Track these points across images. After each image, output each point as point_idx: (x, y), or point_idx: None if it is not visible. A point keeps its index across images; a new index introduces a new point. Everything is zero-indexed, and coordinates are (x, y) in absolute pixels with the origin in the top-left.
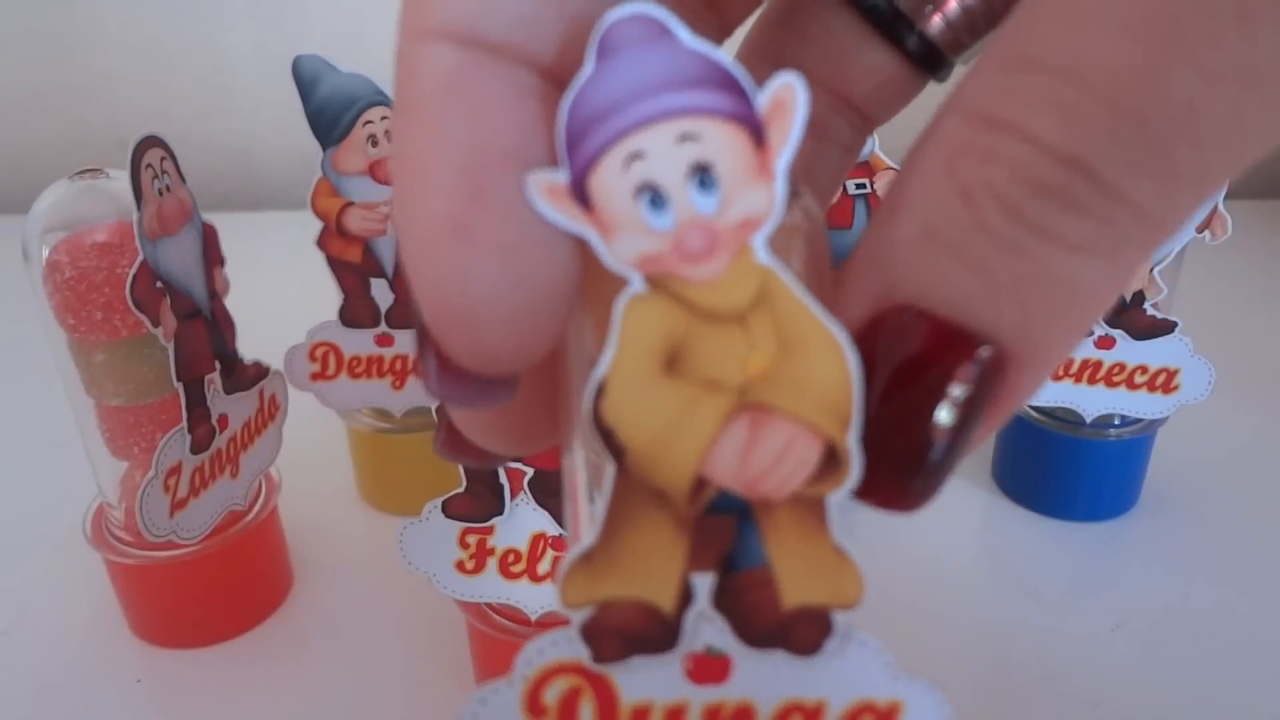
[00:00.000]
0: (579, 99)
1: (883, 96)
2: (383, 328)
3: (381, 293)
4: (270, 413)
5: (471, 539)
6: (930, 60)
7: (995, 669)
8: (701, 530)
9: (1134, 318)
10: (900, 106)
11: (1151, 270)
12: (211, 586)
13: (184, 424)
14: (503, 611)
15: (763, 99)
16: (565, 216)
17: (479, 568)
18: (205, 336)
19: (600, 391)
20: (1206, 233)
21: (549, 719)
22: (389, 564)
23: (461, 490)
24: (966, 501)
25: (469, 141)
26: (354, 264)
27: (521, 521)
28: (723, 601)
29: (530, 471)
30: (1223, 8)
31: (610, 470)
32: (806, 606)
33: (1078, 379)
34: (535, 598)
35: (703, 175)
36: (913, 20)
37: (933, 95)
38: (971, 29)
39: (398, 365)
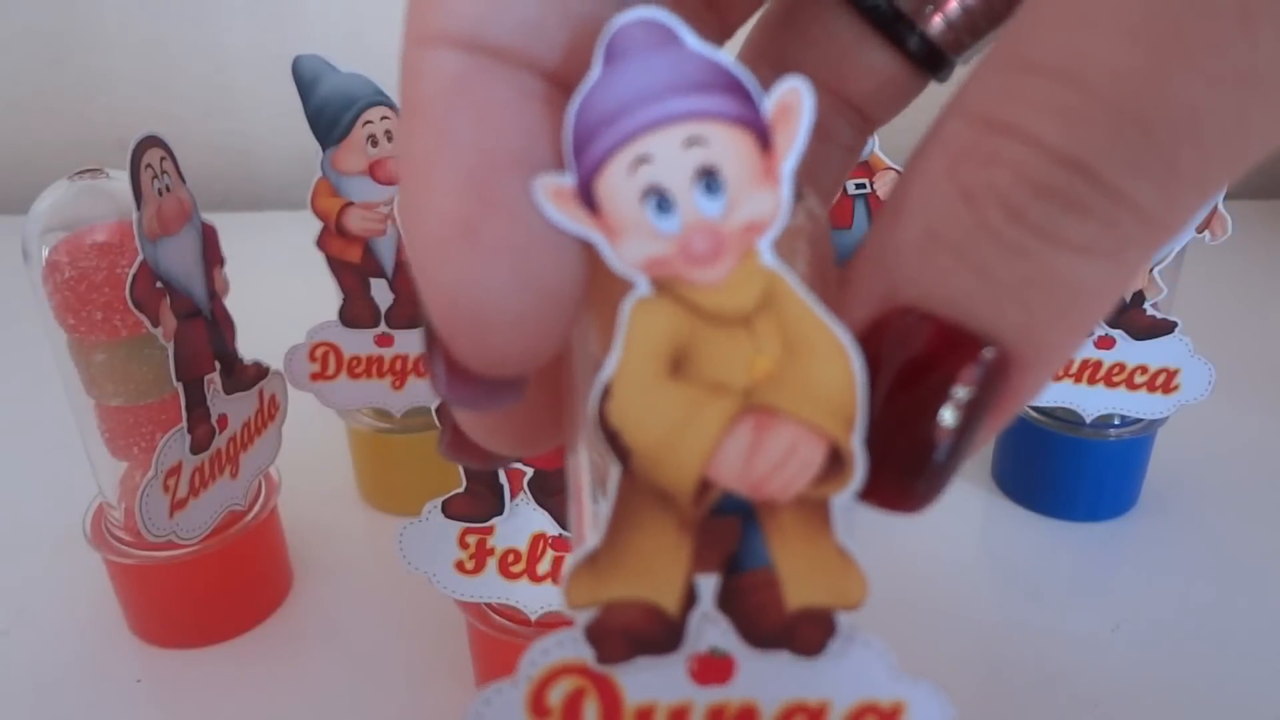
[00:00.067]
0: (586, 103)
1: (884, 97)
2: (383, 328)
3: (381, 293)
4: (270, 413)
5: (471, 539)
6: (931, 60)
7: (995, 669)
8: (706, 532)
9: (1134, 318)
10: (901, 107)
11: (1151, 270)
12: (211, 586)
13: (184, 424)
14: (503, 611)
15: (769, 103)
16: (572, 220)
17: (479, 568)
18: (205, 336)
19: (606, 394)
20: (1206, 233)
21: (553, 719)
22: (389, 564)
23: (461, 490)
24: (966, 501)
25: (475, 145)
26: (354, 264)
27: (521, 521)
28: (727, 602)
29: (530, 471)
30: (1224, 10)
31: (615, 472)
32: (810, 607)
33: (1078, 379)
34: (535, 598)
35: (709, 179)
36: (913, 21)
37: (934, 95)
38: (972, 29)
39: (398, 365)
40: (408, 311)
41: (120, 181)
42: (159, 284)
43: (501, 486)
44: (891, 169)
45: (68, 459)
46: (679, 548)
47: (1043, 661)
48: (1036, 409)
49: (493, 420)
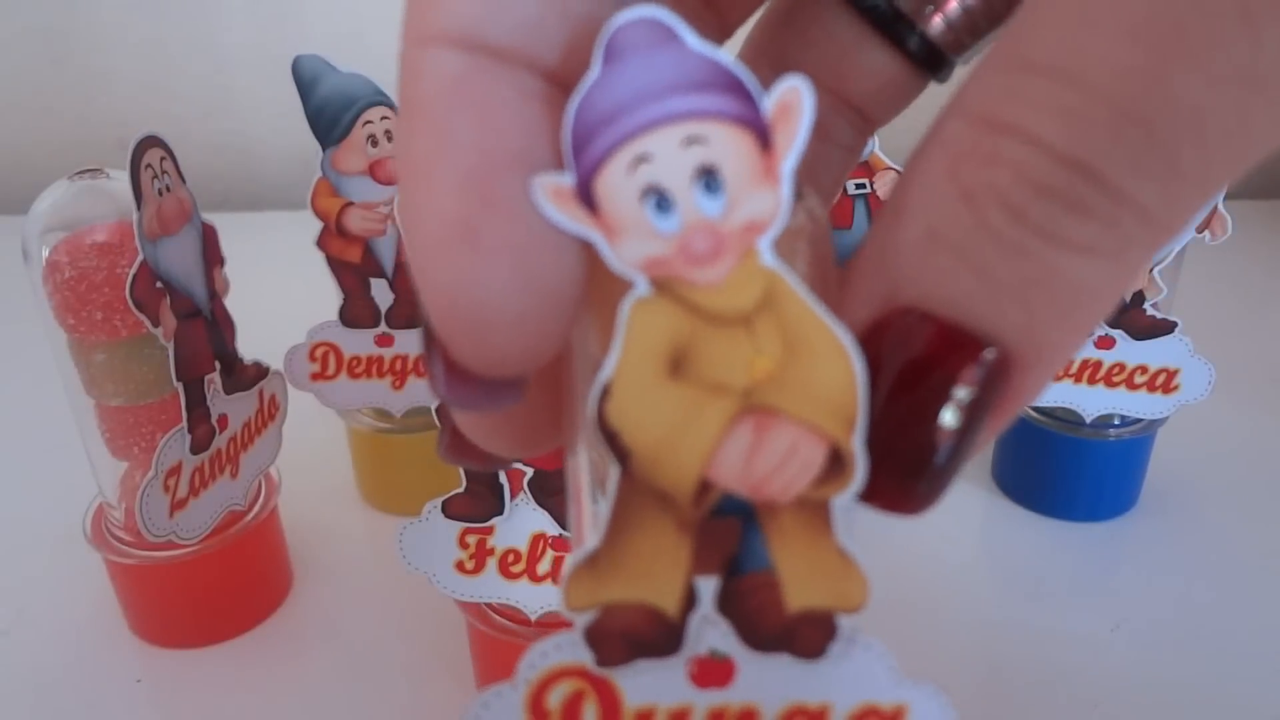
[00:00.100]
0: (585, 102)
1: (884, 97)
2: (383, 328)
3: (381, 293)
4: (270, 413)
5: (471, 539)
6: (931, 61)
7: (995, 669)
8: (706, 533)
9: (1134, 318)
10: (901, 107)
11: (1151, 270)
12: (211, 586)
13: (184, 424)
14: (502, 611)
15: (769, 102)
16: (571, 219)
17: (479, 568)
18: (205, 336)
19: (605, 394)
20: (1206, 233)
21: None
22: (389, 564)
23: (461, 490)
24: (966, 501)
25: (475, 145)
26: (354, 264)
27: (521, 521)
28: (727, 605)
29: (530, 471)
30: (1226, 10)
31: (614, 473)
32: (811, 610)
33: (1078, 379)
34: (535, 598)
35: (709, 178)
36: (913, 21)
37: (934, 96)
38: (972, 29)
39: (398, 365)
40: (408, 311)
41: (120, 181)
42: (159, 284)
43: (501, 486)
44: (891, 169)
45: (68, 459)
46: (679, 549)
47: (1043, 661)
48: (1036, 409)
49: (492, 422)
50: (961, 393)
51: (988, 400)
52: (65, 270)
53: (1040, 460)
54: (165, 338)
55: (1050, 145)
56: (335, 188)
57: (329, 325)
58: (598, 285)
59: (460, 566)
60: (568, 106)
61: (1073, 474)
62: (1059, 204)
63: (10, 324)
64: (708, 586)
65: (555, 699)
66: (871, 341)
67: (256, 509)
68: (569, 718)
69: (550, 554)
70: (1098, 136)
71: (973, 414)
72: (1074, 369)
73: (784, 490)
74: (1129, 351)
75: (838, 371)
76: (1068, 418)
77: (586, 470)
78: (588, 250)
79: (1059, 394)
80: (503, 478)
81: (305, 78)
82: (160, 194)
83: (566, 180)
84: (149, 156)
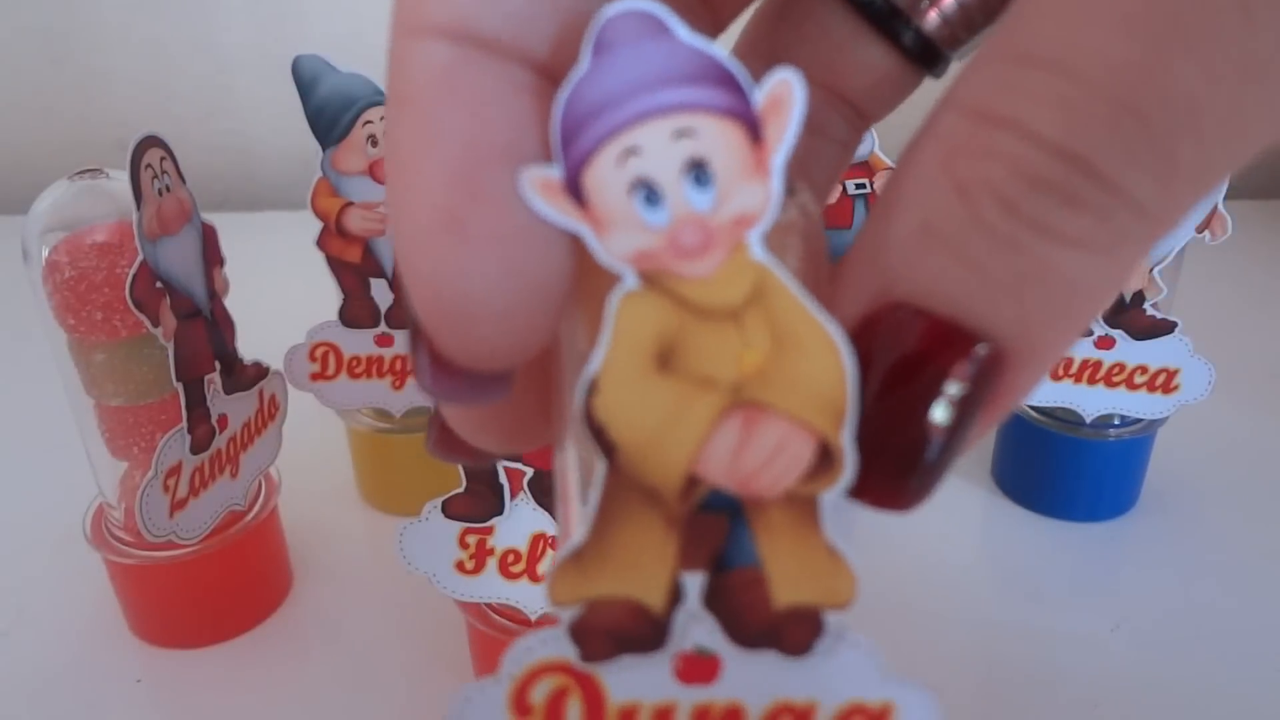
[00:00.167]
0: (574, 94)
1: (879, 93)
2: (383, 328)
3: (381, 293)
4: (270, 413)
5: (471, 539)
6: (926, 56)
7: (995, 669)
8: (692, 528)
9: (1134, 318)
10: (897, 103)
11: (1151, 270)
12: (211, 586)
13: (184, 424)
14: (502, 612)
15: (760, 95)
16: (559, 212)
17: (479, 568)
18: (205, 336)
19: (592, 388)
20: (1206, 233)
21: (535, 718)
22: (389, 564)
23: (461, 490)
24: (966, 501)
25: (463, 137)
26: (354, 264)
27: (521, 521)
28: (713, 601)
29: (530, 471)
30: (1223, 1)
31: (601, 467)
32: (798, 606)
33: (1078, 379)
34: (535, 598)
35: (698, 171)
36: (909, 16)
37: (933, 92)
38: (968, 24)
39: (398, 365)
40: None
41: (120, 181)
42: (159, 284)
43: (501, 486)
44: (891, 169)
45: (68, 459)
46: (665, 545)
47: (1042, 661)
48: (1036, 409)
49: (480, 416)
50: (953, 388)
51: (980, 396)
52: (65, 270)
53: (1040, 460)
54: (165, 338)
55: (1045, 138)
56: (335, 188)
57: (329, 325)
58: (586, 279)
59: (460, 566)
60: (556, 98)
61: (1073, 474)
62: (1054, 197)
63: (10, 324)
64: (694, 582)
65: (539, 695)
66: (863, 337)
67: (256, 509)
68: (553, 714)
69: (550, 554)
70: (1093, 129)
71: (964, 410)
72: (1074, 369)
73: (772, 485)
74: (1129, 351)
75: (827, 366)
76: (1068, 418)
77: (575, 466)
78: (576, 243)
79: (1059, 394)
80: (503, 477)
81: (305, 78)
82: (160, 194)
83: (555, 173)
84: (149, 156)
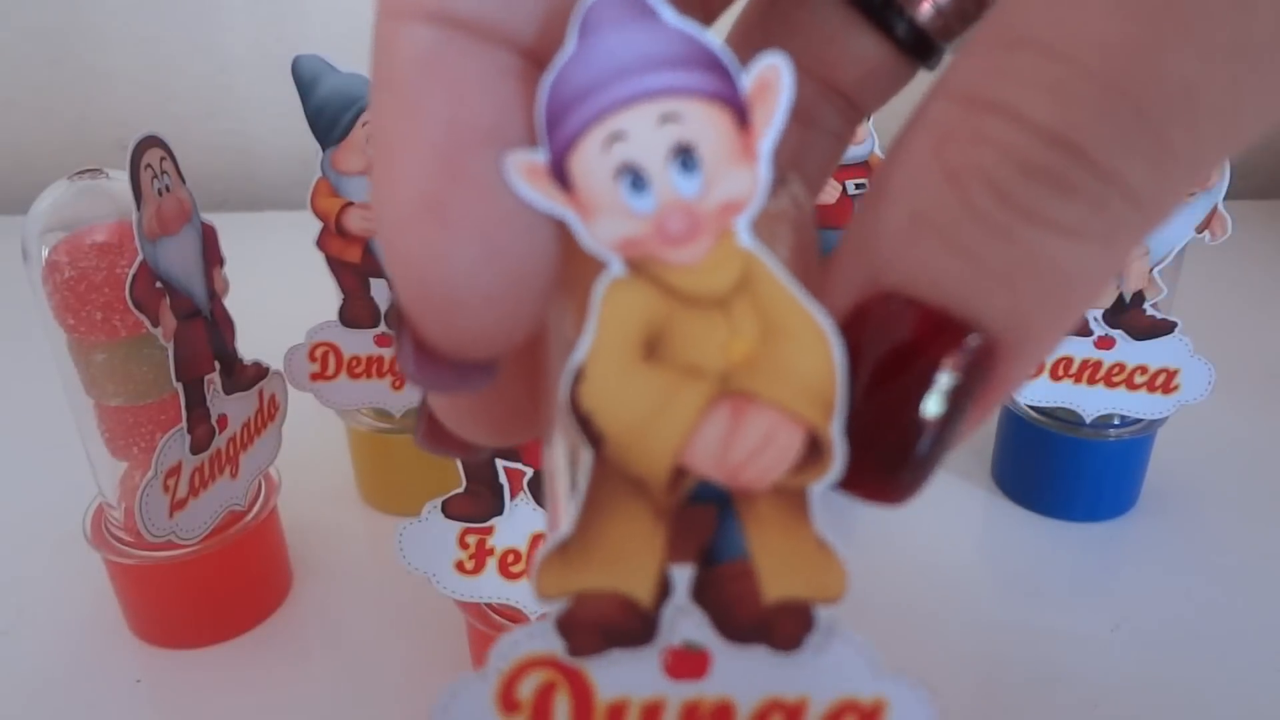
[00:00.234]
0: (559, 78)
1: (872, 84)
2: (382, 328)
3: (381, 293)
4: (270, 413)
5: (471, 539)
6: (920, 48)
7: (995, 669)
8: (681, 520)
9: (1134, 318)
10: (891, 94)
11: (1151, 270)
12: (211, 586)
13: (184, 424)
14: (502, 612)
15: (747, 80)
16: (544, 197)
17: (478, 568)
18: (205, 336)
19: (578, 376)
20: (1206, 233)
21: (523, 714)
22: (389, 564)
23: (461, 490)
24: (966, 501)
25: (446, 121)
26: (354, 264)
27: (521, 521)
28: (702, 594)
29: (530, 471)
30: None
31: (587, 458)
32: (788, 600)
33: (1078, 379)
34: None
35: (685, 157)
36: (901, 6)
37: (928, 85)
38: (962, 15)
39: (397, 365)
40: None
41: (120, 181)
42: (159, 284)
43: (501, 486)
44: None
45: (68, 459)
46: (653, 537)
47: (1042, 661)
48: (1036, 409)
49: (468, 407)
50: (945, 380)
51: (972, 387)
52: (65, 270)
53: (1040, 460)
54: (165, 338)
55: (1038, 123)
56: (335, 188)
57: (329, 325)
58: (573, 265)
59: (460, 566)
60: (541, 82)
61: (1072, 474)
62: (1046, 184)
63: (10, 324)
64: (682, 575)
65: (526, 689)
66: (853, 327)
67: (256, 509)
68: (540, 709)
69: None
70: (1086, 114)
71: (956, 402)
72: (1074, 369)
73: (761, 477)
74: (1129, 351)
75: (816, 356)
76: (1068, 418)
77: (563, 458)
78: (562, 230)
79: (1059, 394)
80: (503, 478)
81: (305, 78)
82: (160, 194)
83: (539, 157)
84: (149, 156)
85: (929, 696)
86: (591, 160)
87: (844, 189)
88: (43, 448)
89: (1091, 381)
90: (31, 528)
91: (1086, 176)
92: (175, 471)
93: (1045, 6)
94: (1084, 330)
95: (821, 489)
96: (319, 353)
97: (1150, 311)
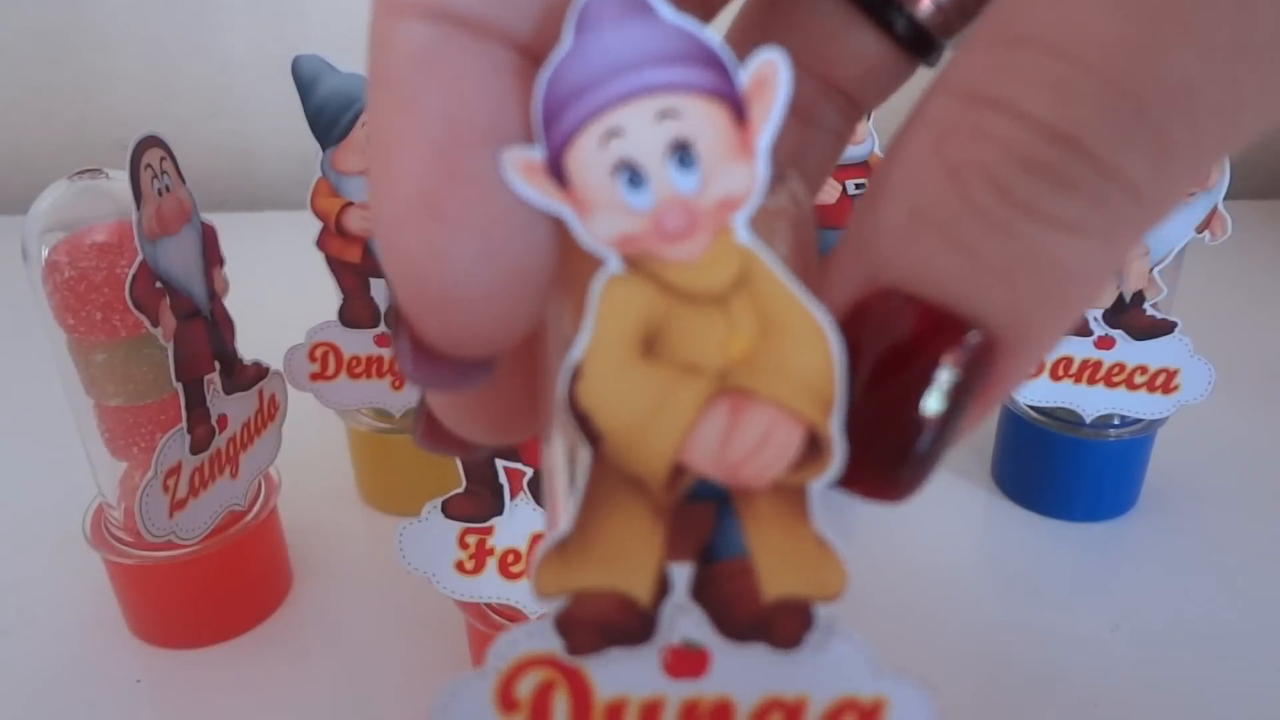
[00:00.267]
0: (556, 74)
1: (872, 82)
2: (382, 328)
3: (381, 293)
4: (270, 413)
5: (471, 539)
6: (920, 45)
7: (994, 669)
8: (679, 518)
9: (1134, 318)
10: (890, 92)
11: (1151, 270)
12: (211, 586)
13: (183, 424)
14: (502, 612)
15: (744, 75)
16: (541, 194)
17: (478, 568)
18: (205, 337)
19: (576, 374)
20: (1206, 233)
21: (522, 713)
22: (389, 564)
23: (461, 490)
24: (966, 501)
25: (443, 117)
26: (354, 264)
27: (521, 521)
28: (701, 593)
29: (530, 472)
30: None
31: (585, 456)
32: (787, 598)
33: (1078, 379)
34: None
35: (682, 153)
36: (901, 3)
37: (927, 82)
38: (962, 11)
39: (395, 363)
40: None
41: (120, 181)
42: (159, 284)
43: (501, 487)
44: None
45: (68, 459)
46: (651, 535)
47: (1042, 661)
48: (1036, 409)
49: (466, 405)
50: (945, 377)
51: (972, 385)
52: (65, 270)
53: (1040, 460)
54: (165, 338)
55: (1038, 119)
56: (335, 188)
57: (329, 325)
58: (570, 263)
59: (460, 566)
60: (538, 79)
61: (1072, 474)
62: (1047, 180)
63: (10, 324)
64: (681, 573)
65: (525, 688)
66: (852, 324)
67: (256, 509)
68: (539, 708)
69: None
70: (1087, 110)
71: (957, 399)
72: (1074, 369)
73: (759, 474)
74: (1129, 351)
75: (815, 353)
76: (1068, 418)
77: (562, 456)
78: (559, 227)
79: (1059, 394)
80: (503, 478)
81: (305, 78)
82: (160, 194)
83: (536, 154)
84: (149, 156)
85: (929, 696)
86: (588, 157)
87: (844, 189)
88: (43, 448)
89: (1091, 381)
90: (31, 528)
91: (1087, 172)
92: (175, 471)
93: (1046, 3)
94: (1084, 330)
95: (821, 486)
96: (319, 353)
97: (1150, 311)
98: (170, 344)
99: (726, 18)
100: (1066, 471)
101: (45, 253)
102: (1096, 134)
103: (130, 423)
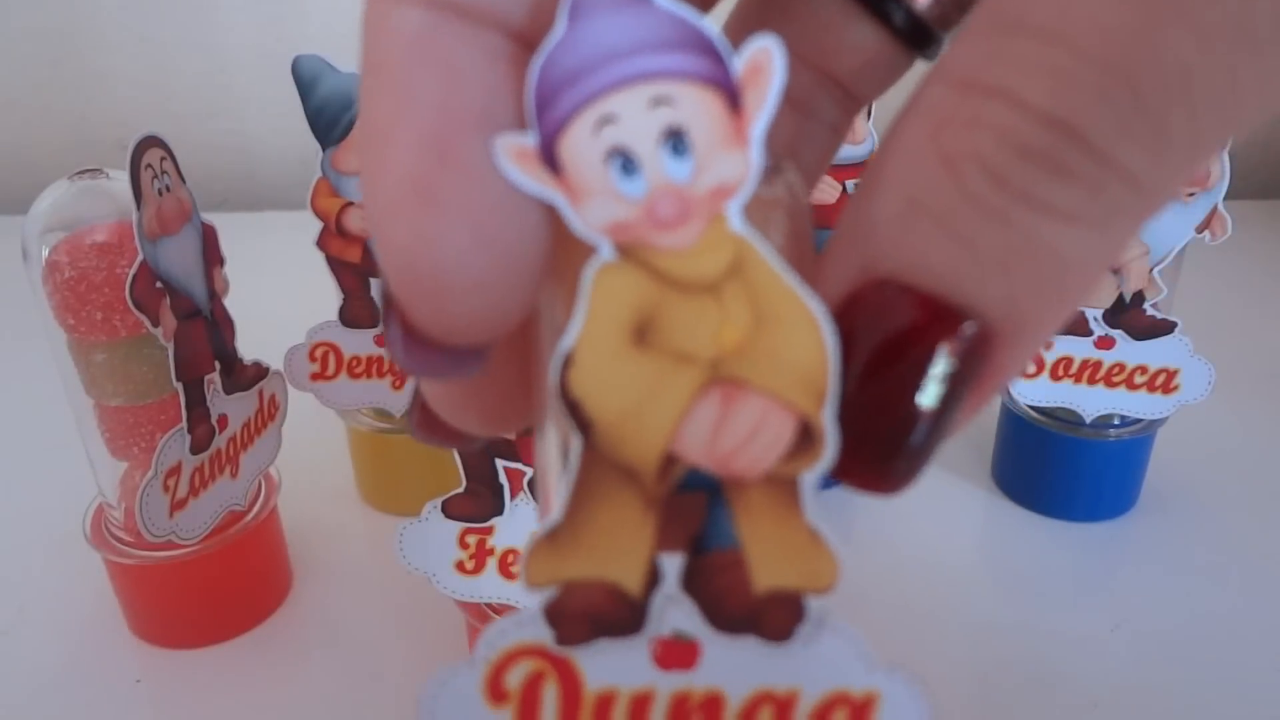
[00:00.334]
0: (549, 61)
1: (870, 74)
2: (382, 327)
3: (381, 292)
4: (270, 413)
5: (471, 539)
6: (918, 37)
7: (994, 669)
8: (670, 509)
9: (1134, 318)
10: (888, 84)
11: (1151, 270)
12: (211, 586)
13: (184, 424)
14: (502, 611)
15: (739, 63)
16: (533, 181)
17: (479, 568)
18: (205, 336)
19: (567, 362)
20: (1206, 233)
21: (511, 704)
22: (389, 564)
23: (461, 490)
24: (966, 501)
25: (436, 104)
26: (354, 264)
27: (521, 521)
28: (692, 584)
29: (530, 471)
30: None
31: (577, 445)
32: (779, 590)
33: (1078, 379)
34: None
35: (676, 140)
36: None
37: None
38: (959, 4)
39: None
40: None
41: (120, 181)
42: (159, 284)
43: (501, 487)
44: None
45: (68, 459)
46: (642, 525)
47: (1042, 661)
48: (1036, 409)
49: (460, 395)
50: (940, 368)
51: (967, 376)
52: (65, 270)
53: (1040, 460)
54: (165, 338)
55: (1034, 107)
56: (335, 188)
57: (329, 325)
58: (563, 250)
59: (460, 566)
60: (531, 65)
61: (1072, 474)
62: (1043, 168)
63: (10, 324)
64: (672, 564)
65: (514, 679)
66: (847, 315)
67: (256, 509)
68: (528, 699)
69: None
70: (1083, 97)
71: (952, 390)
72: (1074, 369)
73: (752, 465)
74: (1129, 351)
75: (808, 343)
76: (1068, 418)
77: (554, 446)
78: (552, 214)
79: (1059, 394)
80: (503, 478)
81: (305, 78)
82: (160, 194)
83: (529, 141)
84: (149, 156)
85: (921, 691)
86: (581, 143)
87: (844, 189)
88: (43, 448)
89: (1091, 381)
90: (31, 528)
91: (1084, 160)
92: (175, 471)
93: None
94: (1084, 330)
95: (813, 477)
96: (319, 353)
97: (1150, 311)
98: (170, 344)
99: (724, 9)
100: (1066, 471)
101: (45, 253)
102: (1094, 122)
103: (130, 423)
